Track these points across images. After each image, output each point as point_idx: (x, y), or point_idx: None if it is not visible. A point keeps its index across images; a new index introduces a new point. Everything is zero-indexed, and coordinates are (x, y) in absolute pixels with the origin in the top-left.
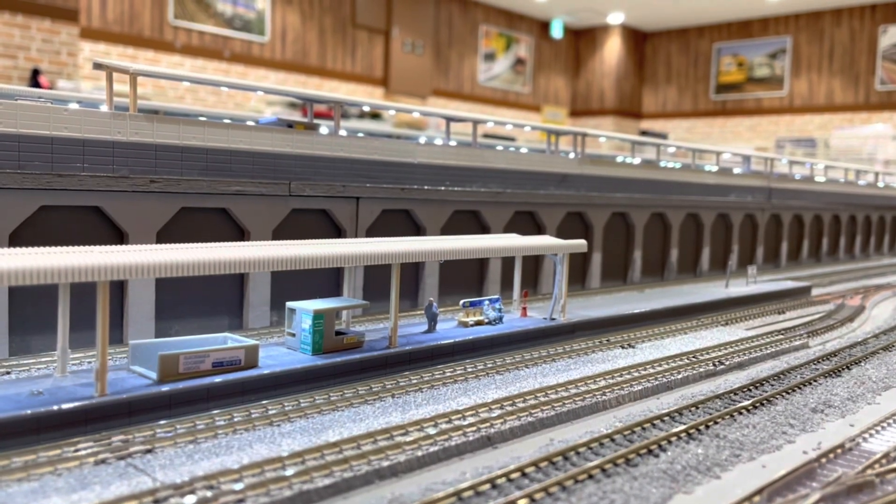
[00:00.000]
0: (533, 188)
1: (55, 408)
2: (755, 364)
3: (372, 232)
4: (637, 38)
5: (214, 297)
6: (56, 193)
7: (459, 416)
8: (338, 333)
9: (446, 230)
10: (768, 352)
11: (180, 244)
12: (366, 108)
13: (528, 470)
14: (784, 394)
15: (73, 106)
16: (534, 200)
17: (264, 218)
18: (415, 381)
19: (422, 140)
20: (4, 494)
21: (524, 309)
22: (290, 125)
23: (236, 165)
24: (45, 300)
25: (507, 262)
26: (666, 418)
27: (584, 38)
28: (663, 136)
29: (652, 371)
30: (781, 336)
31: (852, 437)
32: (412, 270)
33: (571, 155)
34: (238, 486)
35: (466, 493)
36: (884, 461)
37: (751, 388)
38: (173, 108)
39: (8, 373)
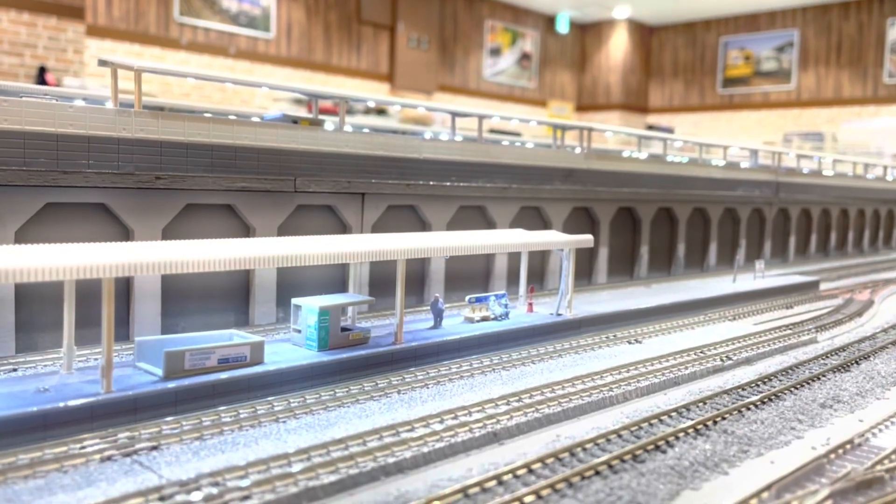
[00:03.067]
0: (539, 183)
1: (61, 405)
2: (763, 359)
3: (377, 228)
4: (643, 33)
5: (220, 294)
6: (61, 190)
7: (465, 412)
8: (343, 330)
9: (452, 226)
10: (776, 347)
11: (186, 241)
12: (371, 104)
13: (534, 466)
14: (792, 389)
15: (79, 103)
16: (540, 196)
17: (270, 214)
18: (420, 378)
19: (427, 136)
20: (11, 492)
21: (530, 304)
22: (296, 121)
23: (241, 162)
24: (52, 297)
25: (513, 258)
26: (673, 414)
27: (589, 33)
28: (670, 130)
29: (659, 366)
30: (789, 331)
31: (861, 432)
32: (418, 266)
33: (577, 150)
34: (244, 483)
35: (473, 490)
36: (893, 457)
37: (759, 383)
38: (178, 104)
39: (14, 370)
